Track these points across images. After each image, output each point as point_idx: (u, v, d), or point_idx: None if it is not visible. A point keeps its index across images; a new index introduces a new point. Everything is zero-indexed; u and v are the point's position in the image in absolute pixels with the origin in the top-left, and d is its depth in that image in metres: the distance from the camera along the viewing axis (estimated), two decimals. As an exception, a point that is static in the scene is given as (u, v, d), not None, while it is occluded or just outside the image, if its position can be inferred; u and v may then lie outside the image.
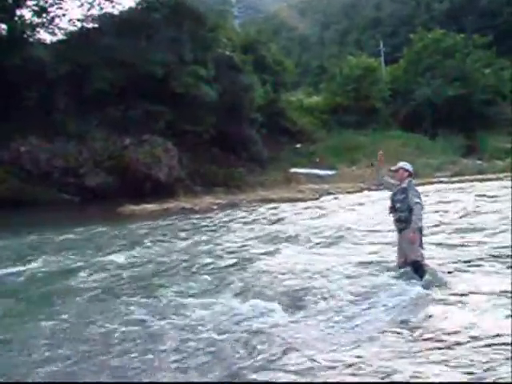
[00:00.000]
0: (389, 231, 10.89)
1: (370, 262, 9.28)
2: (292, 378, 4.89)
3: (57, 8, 27.64)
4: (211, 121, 28.35)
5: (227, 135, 29.78)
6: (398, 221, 7.97)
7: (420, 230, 7.78)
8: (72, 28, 28.29)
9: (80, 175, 24.35)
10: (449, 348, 5.33)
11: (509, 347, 5.17)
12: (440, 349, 5.35)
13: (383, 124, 43.02)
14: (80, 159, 24.57)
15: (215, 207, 21.15)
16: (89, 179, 24.36)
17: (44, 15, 27.27)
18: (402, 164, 8.17)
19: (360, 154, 35.50)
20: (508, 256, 8.94)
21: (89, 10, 28.47)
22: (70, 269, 10.10)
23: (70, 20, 28.12)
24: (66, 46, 26.94)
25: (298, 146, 37.36)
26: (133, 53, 25.35)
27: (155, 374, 5.16)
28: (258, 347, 5.58)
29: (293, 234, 13.22)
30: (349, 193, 23.59)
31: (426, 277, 7.70)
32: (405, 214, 7.80)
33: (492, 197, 17.99)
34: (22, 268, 10.21)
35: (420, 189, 8.40)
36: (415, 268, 7.71)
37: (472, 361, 5.00)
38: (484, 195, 18.74)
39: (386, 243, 10.61)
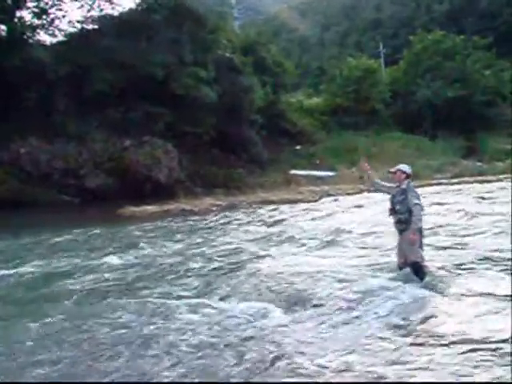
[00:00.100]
0: (389, 232, 10.94)
1: (370, 264, 9.27)
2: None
3: (57, 9, 27.62)
4: (211, 122, 28.34)
5: (227, 136, 29.77)
6: (397, 222, 7.98)
7: (420, 230, 7.78)
8: (72, 29, 28.30)
9: (80, 176, 24.33)
10: (444, 353, 5.30)
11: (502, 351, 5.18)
12: (432, 354, 5.34)
13: (383, 125, 43.02)
14: (80, 160, 24.56)
15: (215, 209, 21.15)
16: (89, 180, 24.34)
17: (44, 17, 27.25)
18: (400, 166, 8.18)
19: (360, 156, 35.47)
20: (503, 259, 8.91)
21: (89, 11, 28.48)
22: (61, 271, 10.04)
23: (70, 21, 28.13)
24: (66, 47, 26.92)
25: (298, 147, 37.33)
26: (133, 54, 25.34)
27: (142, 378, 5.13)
28: (247, 354, 5.50)
29: (290, 236, 13.21)
30: (349, 194, 23.60)
31: (426, 278, 7.70)
32: (404, 216, 7.81)
33: (487, 198, 18.04)
34: (13, 270, 10.14)
35: (419, 190, 8.38)
36: (415, 269, 7.71)
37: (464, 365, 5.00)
38: (482, 197, 18.78)
39: (386, 244, 10.62)
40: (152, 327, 6.46)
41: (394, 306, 6.82)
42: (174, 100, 26.80)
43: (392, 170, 8.26)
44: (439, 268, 8.53)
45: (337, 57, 63.03)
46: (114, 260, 10.85)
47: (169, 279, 9.12)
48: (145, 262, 10.74)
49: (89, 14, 28.46)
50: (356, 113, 42.71)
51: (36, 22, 27.17)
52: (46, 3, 27.28)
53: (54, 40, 28.24)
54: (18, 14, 26.75)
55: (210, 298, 7.71)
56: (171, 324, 6.53)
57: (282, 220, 16.67)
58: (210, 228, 15.88)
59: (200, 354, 5.58)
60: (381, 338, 5.79)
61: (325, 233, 13.31)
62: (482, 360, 5.03)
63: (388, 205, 8.18)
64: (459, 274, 8.31)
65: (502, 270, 8.27)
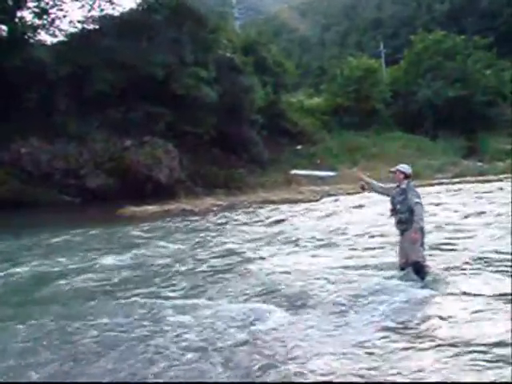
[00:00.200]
0: (388, 233, 10.94)
1: (370, 264, 9.26)
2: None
3: (57, 10, 27.64)
4: (212, 122, 28.34)
5: (228, 136, 29.77)
6: (399, 222, 7.98)
7: (422, 230, 7.77)
8: (72, 29, 28.31)
9: (81, 176, 24.34)
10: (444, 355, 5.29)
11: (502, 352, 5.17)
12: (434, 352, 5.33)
13: (384, 125, 43.03)
14: (81, 161, 24.57)
15: (216, 209, 21.14)
16: (89, 181, 24.35)
17: (44, 17, 27.25)
18: (399, 166, 8.19)
19: (360, 156, 35.52)
20: (502, 260, 8.91)
21: (89, 11, 28.50)
22: (55, 272, 9.96)
23: (71, 21, 28.15)
24: (67, 47, 26.93)
25: (299, 147, 37.33)
26: (133, 54, 25.34)
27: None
28: (235, 359, 5.43)
29: (289, 236, 13.18)
30: (349, 194, 23.55)
31: (427, 278, 7.70)
32: (405, 216, 7.81)
33: (486, 198, 18.03)
34: (5, 272, 10.06)
35: (419, 190, 8.37)
36: (416, 269, 7.70)
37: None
38: (481, 197, 18.78)
39: (386, 245, 10.62)
40: (141, 329, 6.40)
41: (394, 307, 6.80)
42: (175, 100, 26.80)
43: (392, 169, 8.28)
44: (439, 268, 8.52)
45: (337, 56, 63.06)
46: (108, 261, 10.77)
47: (162, 280, 9.06)
48: (140, 262, 10.66)
49: (89, 14, 28.50)
50: (357, 113, 42.72)
51: (37, 22, 27.19)
52: (47, 3, 27.30)
53: (55, 40, 28.32)
54: (18, 14, 26.78)
55: (201, 298, 7.65)
56: (161, 326, 6.47)
57: (282, 220, 16.62)
58: (209, 228, 15.84)
59: (189, 356, 5.53)
60: (377, 340, 5.75)
61: (324, 233, 13.30)
62: (471, 364, 5.01)
63: (389, 205, 8.19)
64: (459, 274, 8.30)
65: (500, 271, 8.25)
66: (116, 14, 28.69)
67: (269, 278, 8.67)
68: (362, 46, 71.98)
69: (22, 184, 22.63)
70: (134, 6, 29.50)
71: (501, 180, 25.20)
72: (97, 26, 28.34)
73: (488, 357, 5.12)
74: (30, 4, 26.98)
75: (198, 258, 10.82)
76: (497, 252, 9.43)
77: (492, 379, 4.69)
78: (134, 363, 5.42)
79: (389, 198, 8.23)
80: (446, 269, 8.52)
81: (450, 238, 11.22)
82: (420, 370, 4.91)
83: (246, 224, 16.23)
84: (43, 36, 27.80)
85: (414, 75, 46.50)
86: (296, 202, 22.22)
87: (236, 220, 17.35)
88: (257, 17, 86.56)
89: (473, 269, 8.54)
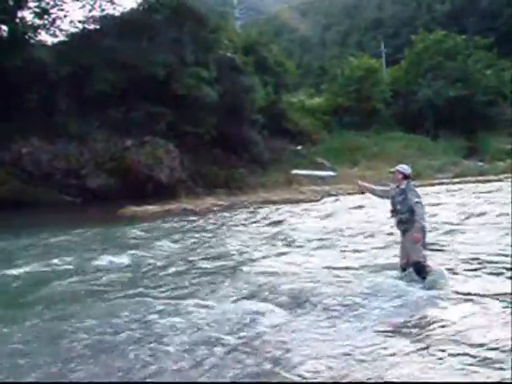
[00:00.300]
0: (389, 233, 10.95)
1: (370, 265, 9.25)
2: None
3: (58, 9, 27.64)
4: (212, 122, 28.35)
5: (228, 136, 29.77)
6: (399, 222, 7.98)
7: (423, 229, 7.76)
8: (73, 29, 28.32)
9: (81, 176, 24.33)
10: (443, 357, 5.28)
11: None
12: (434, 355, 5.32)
13: (384, 125, 43.04)
14: (81, 160, 24.57)
15: (216, 209, 21.15)
16: (90, 180, 24.35)
17: (45, 17, 27.25)
18: (398, 166, 8.20)
19: (361, 155, 35.53)
20: (501, 260, 8.91)
21: (90, 11, 28.50)
22: (49, 273, 9.89)
23: (72, 21, 28.16)
24: (68, 47, 26.94)
25: (300, 147, 37.34)
26: (134, 54, 25.34)
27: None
28: (227, 366, 5.33)
29: (290, 236, 13.16)
30: (350, 194, 23.56)
31: (428, 278, 7.69)
32: (405, 216, 7.81)
33: (485, 198, 18.04)
34: (3, 272, 9.99)
35: (419, 190, 8.37)
36: (417, 269, 7.69)
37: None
38: (479, 197, 18.79)
39: (386, 245, 10.62)
40: (134, 331, 6.33)
41: (394, 308, 6.79)
42: (176, 100, 26.81)
43: (392, 170, 8.29)
44: (440, 268, 8.50)
45: (338, 56, 63.06)
46: (105, 262, 10.69)
47: (158, 281, 8.99)
48: (137, 263, 10.59)
49: (90, 14, 28.50)
50: (357, 112, 42.74)
51: (37, 22, 27.19)
52: (48, 3, 27.29)
53: (56, 40, 28.33)
54: (19, 14, 26.77)
55: (195, 299, 7.57)
56: (153, 328, 6.39)
57: (282, 220, 16.61)
58: (208, 228, 15.78)
59: (181, 357, 5.49)
60: (374, 342, 5.71)
61: (324, 233, 13.29)
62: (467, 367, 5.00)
63: (389, 206, 8.20)
64: (459, 275, 8.30)
65: (497, 272, 8.25)
66: (117, 13, 28.75)
67: (266, 278, 8.60)
68: (363, 45, 71.95)
69: (22, 184, 22.62)
70: (134, 5, 29.57)
71: (501, 180, 25.20)
72: (97, 26, 28.36)
73: (487, 358, 5.11)
74: (31, 4, 27.00)
75: (196, 259, 10.76)
76: (493, 254, 9.42)
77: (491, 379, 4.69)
78: (126, 365, 5.36)
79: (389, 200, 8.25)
80: (448, 268, 8.52)
81: (443, 240, 11.20)
82: (418, 371, 4.91)
83: (245, 224, 16.21)
84: (44, 36, 27.87)
85: (414, 75, 46.50)
86: (297, 202, 22.23)
87: (236, 220, 17.35)
88: (257, 17, 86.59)
89: (470, 269, 8.53)
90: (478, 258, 9.19)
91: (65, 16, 27.86)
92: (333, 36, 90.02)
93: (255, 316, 6.63)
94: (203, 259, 10.67)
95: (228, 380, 4.95)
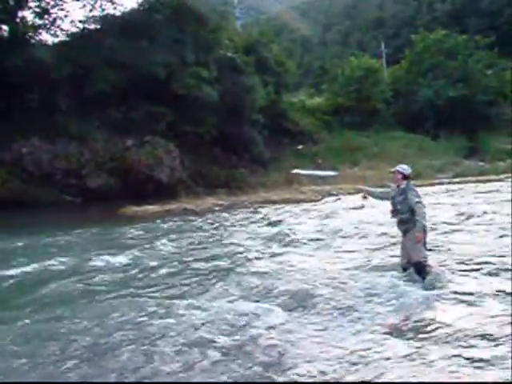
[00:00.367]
0: (389, 233, 10.93)
1: (371, 265, 9.23)
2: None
3: (58, 9, 27.67)
4: (213, 122, 28.36)
5: (229, 136, 29.78)
6: (400, 222, 7.97)
7: (424, 229, 7.75)
8: (74, 29, 28.39)
9: (82, 176, 24.36)
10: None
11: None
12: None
13: (385, 125, 43.03)
14: (82, 160, 24.58)
15: (217, 208, 21.13)
16: (90, 180, 24.37)
17: (46, 17, 27.29)
18: (398, 167, 8.18)
19: (362, 155, 35.53)
20: (500, 261, 8.90)
21: (90, 11, 28.55)
22: (45, 274, 9.84)
23: (72, 21, 28.23)
24: (68, 47, 26.94)
25: (300, 147, 37.36)
26: (135, 54, 25.35)
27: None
28: (227, 362, 5.32)
29: (289, 236, 13.09)
30: (350, 194, 23.52)
31: (429, 278, 7.68)
32: (406, 216, 7.80)
33: (484, 198, 18.02)
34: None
35: (419, 190, 8.35)
36: (418, 269, 7.68)
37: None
38: (478, 197, 18.79)
39: (387, 245, 10.60)
40: (128, 332, 6.28)
41: (394, 308, 6.77)
42: (176, 100, 26.81)
43: (392, 170, 8.29)
44: (441, 268, 8.50)
45: (338, 56, 63.13)
46: (102, 262, 10.63)
47: (154, 282, 8.95)
48: (135, 263, 10.52)
49: (91, 14, 28.56)
50: (358, 112, 42.74)
51: (38, 21, 27.24)
52: (48, 3, 27.31)
53: (56, 40, 28.38)
54: (19, 14, 26.80)
55: (190, 300, 7.50)
56: (148, 329, 6.35)
57: (281, 221, 16.54)
58: (206, 228, 15.71)
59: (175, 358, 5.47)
60: (369, 346, 5.68)
61: (322, 234, 13.25)
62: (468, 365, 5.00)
63: (389, 206, 8.19)
64: (460, 275, 8.29)
65: (496, 272, 8.24)
66: (117, 13, 28.78)
67: (262, 279, 8.53)
68: (364, 45, 71.92)
69: (23, 184, 22.64)
70: (135, 5, 29.58)
71: (502, 180, 25.19)
72: (98, 26, 28.39)
73: (485, 359, 5.11)
74: (32, 4, 27.03)
75: (192, 260, 10.69)
76: (490, 255, 9.40)
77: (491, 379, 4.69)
78: (119, 367, 5.33)
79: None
80: (449, 268, 8.51)
81: (440, 240, 11.17)
82: (417, 373, 4.90)
83: (244, 224, 16.14)
84: (44, 36, 27.95)
85: (415, 75, 46.49)
86: (297, 201, 22.21)
87: (235, 220, 17.29)
88: (258, 16, 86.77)
89: (468, 270, 8.51)
90: (475, 259, 9.17)
91: (65, 16, 27.93)
92: (333, 36, 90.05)
93: (249, 317, 6.57)
94: (199, 260, 10.60)
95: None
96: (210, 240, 13.24)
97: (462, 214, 14.83)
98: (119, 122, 25.41)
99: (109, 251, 11.78)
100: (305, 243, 12.04)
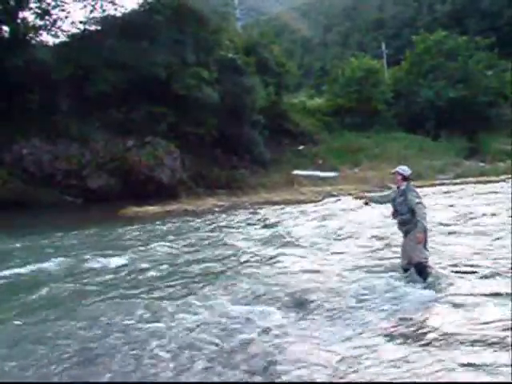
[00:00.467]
0: (390, 234, 10.91)
1: (371, 265, 9.23)
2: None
3: (59, 10, 27.66)
4: (213, 123, 28.35)
5: (229, 137, 29.77)
6: (401, 223, 7.98)
7: (425, 230, 7.75)
8: (74, 30, 28.35)
9: (82, 177, 24.36)
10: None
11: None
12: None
13: (386, 126, 43.01)
14: (82, 161, 24.59)
15: (217, 209, 21.11)
16: (91, 181, 24.37)
17: (46, 17, 27.26)
18: (398, 168, 8.19)
19: (362, 156, 35.51)
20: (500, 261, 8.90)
21: (91, 12, 28.52)
22: (40, 275, 9.83)
23: (73, 22, 28.18)
24: (69, 48, 26.96)
25: (301, 147, 37.34)
26: (135, 55, 25.35)
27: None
28: (217, 367, 5.30)
29: (289, 237, 13.10)
30: (351, 195, 23.52)
31: (429, 279, 7.68)
32: (406, 216, 7.82)
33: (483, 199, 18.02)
34: None
35: (419, 190, 8.35)
36: (419, 270, 7.69)
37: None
38: (478, 198, 18.79)
39: (387, 246, 10.60)
40: (122, 334, 6.29)
41: (395, 309, 6.77)
42: (177, 100, 26.82)
43: (392, 171, 8.29)
44: (441, 268, 8.50)
45: (339, 57, 63.14)
46: (95, 264, 10.62)
47: (150, 283, 8.94)
48: (126, 265, 10.49)
49: (91, 15, 28.54)
50: (358, 113, 42.73)
51: (39, 22, 27.21)
52: (49, 4, 27.30)
53: (57, 41, 28.34)
54: (20, 14, 26.78)
55: (179, 302, 7.48)
56: (137, 332, 6.33)
57: (280, 222, 16.52)
58: (204, 230, 15.60)
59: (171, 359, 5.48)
60: (363, 352, 5.67)
61: (320, 235, 13.25)
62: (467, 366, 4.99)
63: (390, 208, 8.20)
64: (460, 275, 8.29)
65: (494, 273, 8.24)
66: (118, 14, 28.75)
67: (256, 281, 8.53)
68: (364, 46, 71.93)
69: (23, 184, 22.64)
70: (135, 6, 29.52)
71: (503, 180, 25.19)
72: (99, 27, 28.38)
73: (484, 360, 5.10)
74: (32, 5, 26.99)
75: (188, 261, 10.64)
76: (488, 256, 9.42)
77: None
78: (108, 371, 5.33)
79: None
80: (450, 268, 8.52)
81: (438, 242, 11.16)
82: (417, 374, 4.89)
83: (242, 226, 16.05)
84: (45, 37, 27.89)
85: (415, 76, 46.49)
86: (298, 202, 22.18)
87: (233, 221, 17.21)
88: (259, 17, 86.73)
89: (466, 272, 8.50)
90: (473, 260, 9.18)
91: (66, 17, 27.92)
92: (334, 37, 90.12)
93: (239, 321, 6.53)
94: (193, 262, 10.52)
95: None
96: (206, 242, 13.16)
97: (460, 215, 14.84)
98: (120, 123, 25.42)
99: (105, 253, 11.75)
100: (302, 245, 11.99)
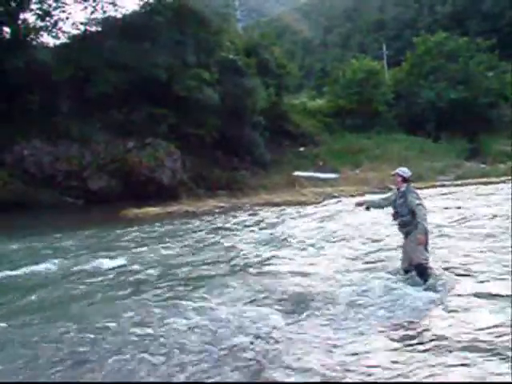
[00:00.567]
0: (390, 235, 10.90)
1: (372, 267, 9.20)
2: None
3: (60, 11, 27.73)
4: (214, 124, 28.35)
5: (230, 138, 29.77)
6: (401, 225, 7.97)
7: (426, 231, 7.73)
8: (75, 31, 28.44)
9: (83, 178, 24.37)
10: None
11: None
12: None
13: (386, 127, 42.99)
14: (83, 162, 24.60)
15: (217, 210, 21.09)
16: (92, 182, 24.38)
17: (47, 19, 27.32)
18: (398, 170, 8.18)
19: (363, 157, 35.50)
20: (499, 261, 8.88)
21: (92, 13, 28.58)
22: (32, 277, 9.84)
23: (74, 23, 28.28)
24: (69, 49, 27.00)
25: (301, 149, 37.33)
26: (136, 56, 25.37)
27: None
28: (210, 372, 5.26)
29: (289, 238, 13.08)
30: (352, 196, 23.48)
31: (430, 281, 7.67)
32: (407, 218, 7.81)
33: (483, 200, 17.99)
34: None
35: (420, 191, 8.34)
36: (419, 271, 7.67)
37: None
38: (477, 199, 18.77)
39: (388, 247, 10.58)
40: (105, 338, 6.23)
41: (395, 310, 6.76)
42: (177, 102, 26.83)
43: (393, 172, 8.29)
44: (442, 270, 8.49)
45: (340, 58, 63.22)
46: (87, 266, 10.57)
47: (134, 286, 8.90)
48: (122, 267, 10.47)
49: (92, 16, 28.61)
50: (359, 114, 42.72)
51: (39, 24, 27.27)
52: (50, 5, 27.37)
53: (58, 42, 28.41)
54: (21, 16, 26.85)
55: (170, 305, 7.43)
56: (129, 335, 6.29)
57: (279, 223, 16.49)
58: (202, 231, 15.56)
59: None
60: (387, 338, 5.70)
61: (328, 235, 13.23)
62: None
63: (391, 210, 8.19)
64: (460, 276, 8.27)
65: (492, 274, 8.22)
66: (119, 15, 28.81)
67: (256, 282, 8.52)
68: (365, 47, 71.97)
69: (24, 186, 22.65)
70: (136, 8, 29.57)
71: (503, 182, 25.16)
72: (99, 28, 28.42)
73: (483, 361, 5.08)
74: (33, 6, 27.07)
75: (185, 263, 10.63)
76: (488, 257, 9.40)
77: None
78: (99, 375, 5.32)
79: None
80: (450, 269, 8.50)
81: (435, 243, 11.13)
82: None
83: (240, 228, 15.96)
84: (46, 38, 27.96)
85: (416, 77, 46.47)
86: (298, 204, 22.14)
87: (233, 223, 17.13)
88: (259, 19, 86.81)
89: (464, 274, 8.49)
90: (474, 260, 9.17)
91: (67, 18, 28.01)
92: (334, 38, 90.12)
93: (232, 325, 6.50)
94: (188, 264, 10.47)
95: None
96: (203, 244, 13.10)
97: (459, 216, 14.82)
98: (120, 124, 25.43)
99: (101, 254, 11.71)
100: (300, 247, 11.94)
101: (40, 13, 26.99)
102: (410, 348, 5.58)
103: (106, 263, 10.76)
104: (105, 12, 28.60)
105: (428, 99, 43.34)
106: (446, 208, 16.90)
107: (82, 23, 28.29)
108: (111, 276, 9.77)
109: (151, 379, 5.20)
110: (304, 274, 8.92)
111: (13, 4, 26.56)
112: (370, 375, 4.95)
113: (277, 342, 5.95)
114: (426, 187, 23.10)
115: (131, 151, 25.31)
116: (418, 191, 8.18)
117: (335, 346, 5.75)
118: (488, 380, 4.71)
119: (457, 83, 43.70)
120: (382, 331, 6.12)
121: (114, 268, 10.37)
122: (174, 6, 28.57)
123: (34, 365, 5.58)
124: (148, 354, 5.67)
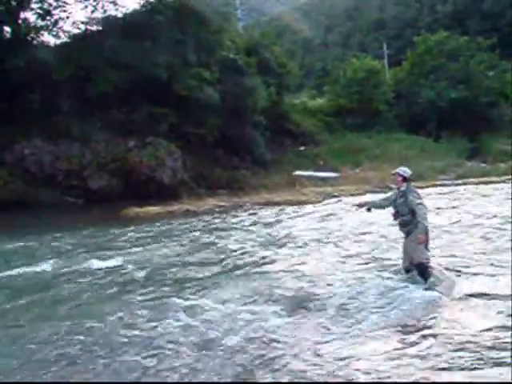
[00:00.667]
0: (390, 235, 10.90)
1: (373, 266, 9.20)
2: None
3: (60, 11, 27.74)
4: (215, 123, 28.33)
5: (231, 138, 29.76)
6: (402, 225, 7.98)
7: (426, 230, 7.73)
8: (76, 30, 28.41)
9: (84, 178, 24.37)
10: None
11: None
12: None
13: (387, 126, 42.94)
14: (84, 162, 24.60)
15: (218, 210, 21.10)
16: (92, 182, 24.38)
17: (48, 18, 27.34)
18: (398, 169, 8.18)
19: (364, 157, 35.49)
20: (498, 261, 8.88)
21: (92, 12, 28.59)
22: (25, 277, 9.84)
23: (74, 23, 28.26)
24: (70, 48, 26.99)
25: (302, 148, 37.32)
26: (136, 55, 25.36)
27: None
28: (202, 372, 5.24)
29: (289, 238, 13.08)
30: (352, 195, 23.48)
31: (431, 279, 7.67)
32: (407, 217, 7.81)
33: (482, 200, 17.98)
34: None
35: (420, 191, 8.33)
36: (420, 270, 7.68)
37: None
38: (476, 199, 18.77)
39: (388, 247, 10.58)
40: (113, 337, 6.25)
41: (396, 309, 6.76)
42: (178, 101, 26.82)
43: (393, 172, 8.29)
44: (442, 270, 8.48)
45: (340, 58, 63.12)
46: (82, 266, 10.56)
47: (128, 286, 8.91)
48: (117, 267, 10.45)
49: (92, 15, 28.61)
50: (360, 114, 42.68)
51: (40, 23, 27.29)
52: (50, 4, 27.37)
53: (58, 41, 28.42)
54: (22, 15, 26.86)
55: (163, 306, 7.43)
56: (116, 337, 6.28)
57: (278, 223, 16.50)
58: (201, 231, 15.59)
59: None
60: (388, 338, 5.70)
61: (328, 234, 13.23)
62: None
63: (391, 209, 8.19)
64: (461, 276, 8.27)
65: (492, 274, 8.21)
66: (119, 15, 28.79)
67: (260, 281, 8.53)
68: (365, 47, 71.91)
69: (24, 185, 22.66)
70: (137, 7, 29.55)
71: (504, 181, 25.15)
72: (100, 27, 28.41)
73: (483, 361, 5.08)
74: (34, 5, 27.08)
75: (181, 263, 10.63)
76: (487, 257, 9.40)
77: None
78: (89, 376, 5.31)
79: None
80: (450, 269, 8.50)
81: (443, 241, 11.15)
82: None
83: (238, 227, 15.99)
84: (46, 37, 27.97)
85: (417, 76, 46.40)
86: (299, 203, 22.15)
87: (232, 222, 17.16)
88: (260, 18, 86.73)
89: (464, 273, 8.48)
90: (474, 261, 9.17)
91: (67, 17, 28.00)
92: (335, 37, 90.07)
93: (225, 325, 6.48)
94: (183, 264, 10.49)
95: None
96: (201, 243, 13.12)
97: (458, 216, 14.81)
98: (121, 123, 25.43)
99: (98, 254, 11.71)
100: (298, 246, 11.93)
101: (40, 12, 27.00)
102: (410, 348, 5.57)
103: (100, 263, 10.73)
104: (105, 11, 28.62)
105: (428, 98, 43.30)
106: (446, 208, 16.92)
107: (82, 22, 28.32)
108: (104, 276, 9.73)
109: (143, 379, 5.18)
110: (299, 275, 8.90)
111: (13, 3, 26.56)
112: (368, 374, 4.94)
113: (273, 340, 5.93)
114: (426, 186, 23.09)
115: (132, 150, 25.31)
116: (419, 190, 8.18)
117: (335, 345, 5.76)
118: (488, 380, 4.70)
119: (457, 82, 43.64)
120: (382, 332, 6.11)
121: (107, 268, 10.34)
122: (175, 5, 28.55)
123: (28, 366, 5.56)
124: (138, 356, 5.65)
